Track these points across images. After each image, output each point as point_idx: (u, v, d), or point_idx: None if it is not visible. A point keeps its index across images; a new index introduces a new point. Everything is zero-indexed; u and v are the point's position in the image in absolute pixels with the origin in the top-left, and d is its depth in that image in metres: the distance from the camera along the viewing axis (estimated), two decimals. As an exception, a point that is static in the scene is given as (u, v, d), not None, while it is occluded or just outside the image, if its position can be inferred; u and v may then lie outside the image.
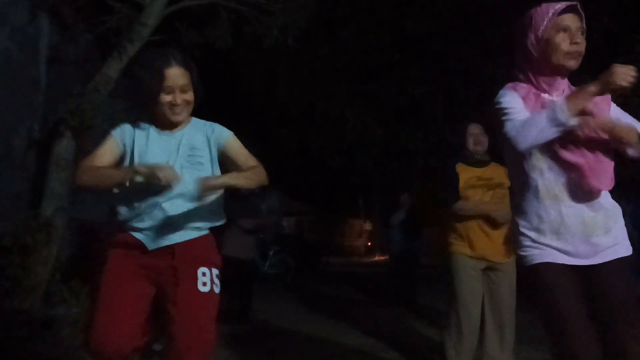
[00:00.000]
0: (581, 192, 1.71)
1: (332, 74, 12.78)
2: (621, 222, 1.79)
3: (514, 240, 1.87)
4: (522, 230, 1.80)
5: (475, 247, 3.18)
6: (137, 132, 2.03)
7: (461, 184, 3.23)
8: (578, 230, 1.71)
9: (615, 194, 1.82)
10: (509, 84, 1.83)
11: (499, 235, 3.17)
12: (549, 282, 1.71)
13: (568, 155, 1.70)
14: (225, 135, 2.08)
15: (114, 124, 2.14)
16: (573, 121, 1.62)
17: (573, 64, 1.75)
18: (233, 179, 1.89)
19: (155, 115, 2.00)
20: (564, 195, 1.73)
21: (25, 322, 4.02)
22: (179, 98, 1.95)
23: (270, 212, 14.17)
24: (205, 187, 1.81)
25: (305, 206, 23.06)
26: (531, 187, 1.77)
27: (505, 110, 1.74)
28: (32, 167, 4.85)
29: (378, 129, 13.02)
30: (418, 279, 7.12)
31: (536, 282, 1.74)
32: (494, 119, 1.81)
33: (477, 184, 3.21)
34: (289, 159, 17.32)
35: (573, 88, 1.80)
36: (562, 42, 1.72)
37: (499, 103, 1.78)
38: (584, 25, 1.76)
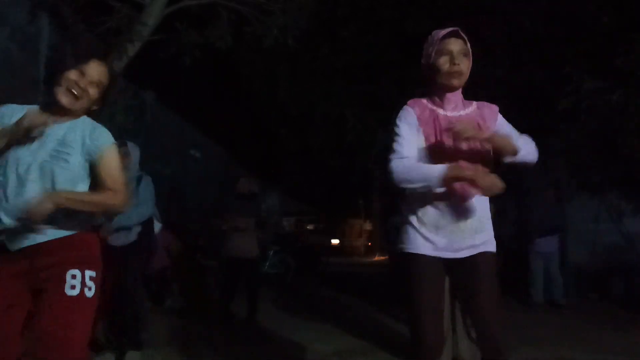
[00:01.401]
0: (454, 197, 1.94)
1: (332, 74, 12.76)
2: (489, 224, 2.04)
3: (402, 233, 2.11)
4: (406, 221, 2.06)
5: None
6: (18, 113, 1.89)
7: None
8: (453, 228, 1.96)
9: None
10: (411, 101, 2.08)
11: None
12: (417, 272, 2.00)
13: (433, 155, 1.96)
14: (102, 144, 1.92)
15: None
16: (442, 186, 1.92)
17: (456, 82, 1.98)
18: (76, 202, 1.79)
19: (53, 98, 1.91)
20: (444, 197, 1.96)
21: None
22: (82, 84, 1.89)
23: (270, 212, 14.17)
24: (40, 207, 1.70)
25: (305, 206, 23.05)
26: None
27: (396, 140, 2.01)
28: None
29: (378, 129, 13.00)
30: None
31: (409, 269, 2.03)
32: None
33: None
34: (289, 159, 17.31)
35: (467, 103, 2.07)
36: (444, 64, 1.96)
37: (396, 125, 2.04)
38: (468, 47, 1.98)
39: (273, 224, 13.39)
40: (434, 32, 2.03)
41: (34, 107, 1.97)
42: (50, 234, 1.84)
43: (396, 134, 2.03)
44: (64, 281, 1.80)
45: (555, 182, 7.91)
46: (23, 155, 1.84)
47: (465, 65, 1.98)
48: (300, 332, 5.04)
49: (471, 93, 2.19)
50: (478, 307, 1.92)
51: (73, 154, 1.88)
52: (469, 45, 1.99)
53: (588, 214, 8.05)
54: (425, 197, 2.00)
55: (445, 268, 2.02)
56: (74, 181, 1.89)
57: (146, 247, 3.96)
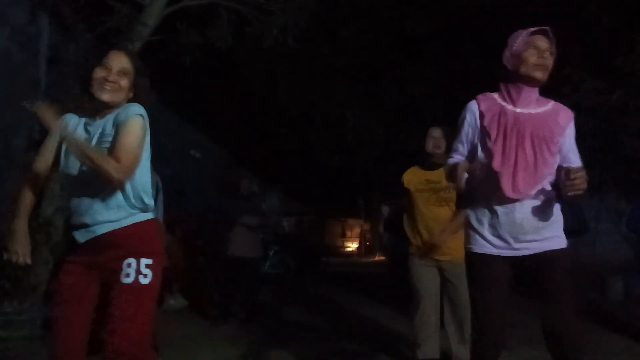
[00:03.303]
0: (504, 196, 1.96)
1: (332, 74, 12.76)
2: (556, 220, 2.03)
3: (465, 233, 2.15)
4: (469, 223, 2.10)
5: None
6: (73, 120, 2.06)
7: (411, 187, 3.49)
8: (509, 226, 1.98)
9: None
10: (481, 95, 2.11)
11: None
12: (479, 271, 2.04)
13: (497, 165, 1.97)
14: (127, 114, 1.95)
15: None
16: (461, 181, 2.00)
17: (539, 75, 1.99)
18: (76, 147, 1.85)
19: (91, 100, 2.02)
20: (497, 196, 1.98)
21: (25, 322, 4.03)
22: (112, 77, 1.96)
23: (270, 212, 14.17)
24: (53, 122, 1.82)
25: (305, 206, 23.05)
26: (473, 188, 2.05)
27: (456, 137, 2.15)
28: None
29: (378, 129, 13.01)
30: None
31: (471, 268, 2.09)
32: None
33: (425, 188, 3.44)
34: (289, 159, 17.31)
35: (542, 101, 2.07)
36: (531, 56, 1.99)
37: (460, 120, 2.14)
38: (554, 49, 2.02)
39: (273, 224, 13.38)
40: (520, 30, 2.06)
41: (71, 115, 2.09)
42: (107, 226, 1.93)
43: (457, 131, 2.14)
44: (121, 269, 1.90)
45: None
46: None
47: (550, 63, 2.01)
48: (300, 332, 5.04)
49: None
50: (549, 306, 1.93)
51: (112, 137, 1.94)
52: (554, 46, 2.02)
53: (588, 214, 8.05)
54: (479, 195, 2.05)
55: (510, 266, 2.03)
56: None
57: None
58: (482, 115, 2.05)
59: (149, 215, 2.03)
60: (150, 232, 2.03)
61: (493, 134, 2.00)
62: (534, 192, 1.96)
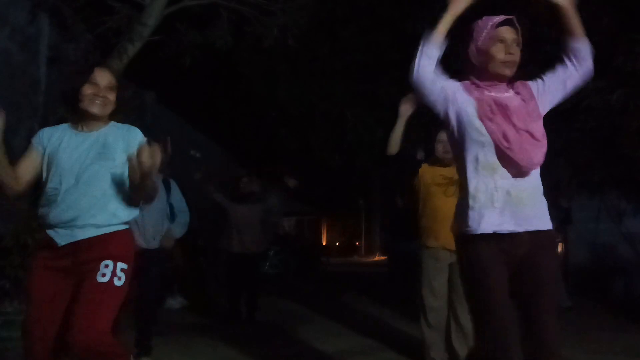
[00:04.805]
0: (511, 167, 1.90)
1: (332, 74, 12.75)
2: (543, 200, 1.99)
3: (458, 216, 2.02)
4: (463, 202, 1.98)
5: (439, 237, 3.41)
6: (55, 133, 2.17)
7: (428, 180, 3.55)
8: (512, 202, 1.89)
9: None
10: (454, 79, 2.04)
11: None
12: (482, 256, 1.89)
13: (503, 142, 1.90)
14: (138, 142, 2.15)
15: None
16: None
17: (508, 72, 1.95)
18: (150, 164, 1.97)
19: (79, 113, 2.15)
20: (499, 168, 1.91)
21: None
22: (101, 92, 2.11)
23: (270, 212, 14.15)
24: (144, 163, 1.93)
25: (305, 206, 23.05)
26: (471, 159, 1.95)
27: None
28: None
29: (378, 129, 12.99)
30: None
31: (469, 252, 1.94)
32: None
33: (443, 182, 3.48)
34: (289, 159, 17.29)
35: (513, 85, 2.02)
36: (498, 52, 1.92)
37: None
38: (520, 38, 1.96)
39: (273, 224, 13.37)
40: (484, 18, 2.00)
41: (65, 125, 2.22)
42: (92, 231, 2.05)
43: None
44: (98, 270, 2.00)
45: (555, 182, 7.91)
46: (70, 162, 2.09)
47: (517, 55, 1.96)
48: (300, 332, 5.04)
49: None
50: (533, 299, 1.90)
51: (117, 153, 2.12)
52: (520, 35, 1.97)
53: (588, 214, 8.05)
54: (478, 173, 1.94)
55: (507, 244, 1.90)
56: (121, 178, 2.11)
57: (169, 252, 4.04)
58: (467, 91, 1.99)
59: (126, 225, 2.18)
60: (127, 240, 2.17)
61: (486, 114, 1.93)
62: (542, 159, 1.93)
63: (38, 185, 2.21)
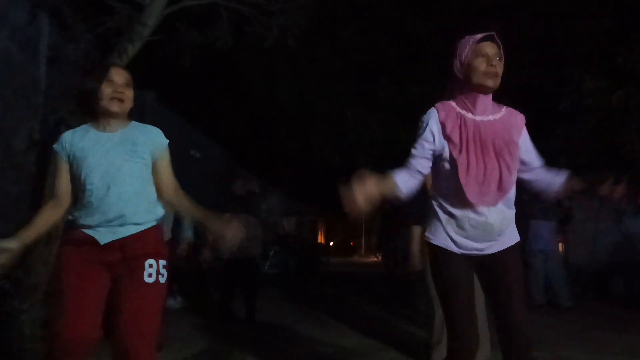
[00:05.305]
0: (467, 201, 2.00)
1: (332, 74, 12.76)
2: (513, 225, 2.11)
3: (428, 222, 2.17)
4: (435, 213, 2.12)
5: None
6: (76, 136, 2.17)
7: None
8: (480, 229, 2.02)
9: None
10: (439, 104, 2.13)
11: None
12: (446, 267, 2.05)
13: (462, 176, 2.00)
14: (162, 143, 2.24)
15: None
16: None
17: (490, 83, 2.02)
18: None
19: (97, 113, 2.16)
20: (463, 196, 2.00)
21: (25, 322, 4.02)
22: (119, 89, 2.14)
23: (270, 212, 14.17)
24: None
25: (305, 206, 23.05)
26: (443, 188, 2.10)
27: (417, 140, 2.12)
28: (32, 167, 4.85)
29: (378, 129, 13.00)
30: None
31: (436, 263, 2.10)
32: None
33: None
34: (289, 159, 17.28)
35: (496, 107, 2.12)
36: (480, 64, 2.02)
37: (421, 123, 2.13)
38: (501, 52, 2.05)
39: (273, 224, 13.39)
40: (467, 36, 2.09)
41: (85, 126, 2.22)
42: (134, 228, 2.10)
43: (417, 134, 2.14)
44: (143, 269, 2.05)
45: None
46: (102, 163, 2.10)
47: (500, 68, 2.04)
48: (300, 332, 5.05)
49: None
50: (504, 299, 1.98)
51: (146, 152, 2.18)
52: (502, 50, 2.06)
53: (588, 214, 8.06)
54: (448, 200, 2.08)
55: (473, 264, 2.07)
56: (149, 176, 2.19)
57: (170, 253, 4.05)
58: (443, 125, 2.07)
59: (158, 222, 2.24)
60: (162, 236, 2.26)
61: (456, 144, 2.02)
62: (501, 200, 2.01)
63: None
